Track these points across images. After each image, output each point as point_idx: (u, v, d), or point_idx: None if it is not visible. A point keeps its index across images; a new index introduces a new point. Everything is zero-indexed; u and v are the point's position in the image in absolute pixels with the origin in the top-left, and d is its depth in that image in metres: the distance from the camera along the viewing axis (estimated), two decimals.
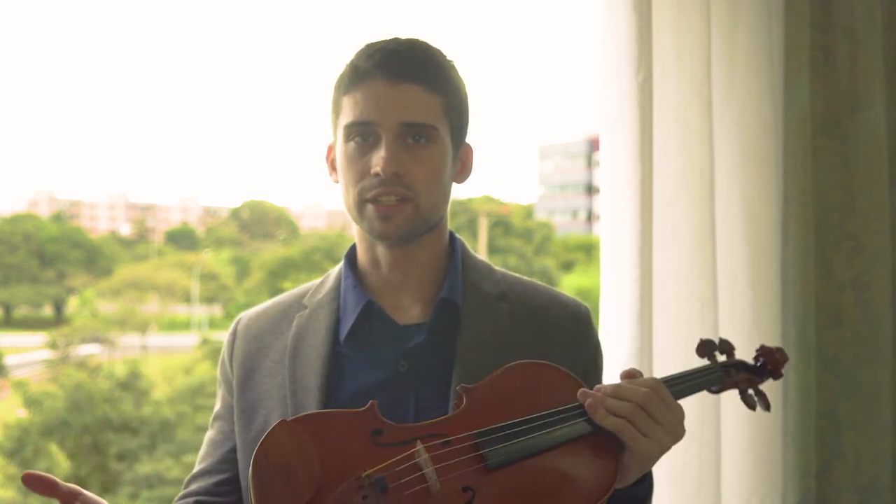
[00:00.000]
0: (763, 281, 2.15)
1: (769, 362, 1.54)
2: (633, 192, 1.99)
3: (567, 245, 32.12)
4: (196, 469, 1.50)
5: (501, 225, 30.70)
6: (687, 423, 2.08)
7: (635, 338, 1.98)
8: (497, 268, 1.51)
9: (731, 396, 2.13)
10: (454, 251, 1.48)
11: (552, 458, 1.25)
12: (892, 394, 2.22)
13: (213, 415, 1.52)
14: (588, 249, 29.37)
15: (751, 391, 1.51)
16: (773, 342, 2.16)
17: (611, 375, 2.03)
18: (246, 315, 1.54)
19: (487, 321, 1.41)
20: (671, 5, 2.08)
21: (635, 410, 1.26)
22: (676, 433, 1.30)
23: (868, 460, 2.19)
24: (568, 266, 28.73)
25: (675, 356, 2.06)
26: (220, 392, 1.52)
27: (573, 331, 1.47)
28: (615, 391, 1.29)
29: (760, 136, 2.17)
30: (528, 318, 1.45)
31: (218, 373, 1.53)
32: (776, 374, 1.54)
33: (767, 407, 1.50)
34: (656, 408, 1.27)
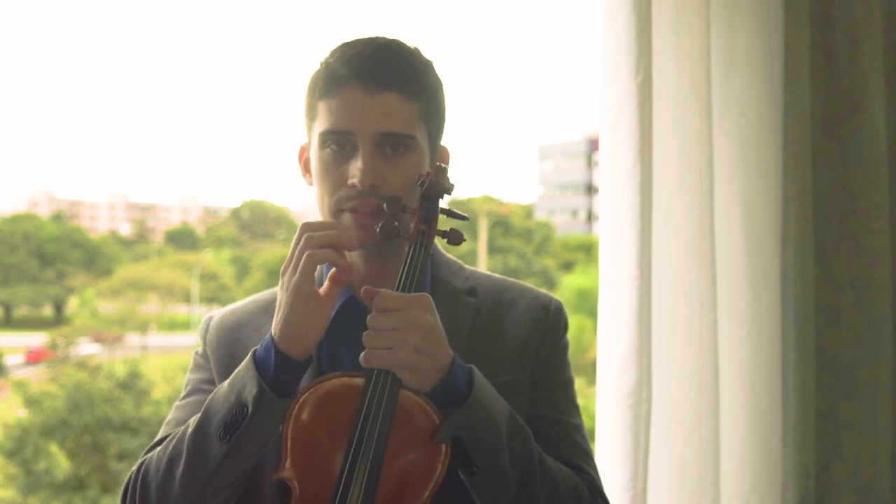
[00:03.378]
0: (763, 281, 2.15)
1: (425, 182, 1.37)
2: (632, 192, 1.99)
3: (567, 245, 32.10)
4: (161, 434, 1.48)
5: (501, 225, 30.70)
6: (686, 422, 2.11)
7: (634, 338, 1.98)
8: (469, 266, 1.53)
9: (732, 395, 2.14)
10: None
11: (391, 454, 1.26)
12: (891, 394, 2.22)
13: (185, 391, 1.50)
14: (588, 249, 29.34)
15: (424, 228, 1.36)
16: (772, 342, 2.16)
17: (610, 375, 2.04)
18: (216, 314, 1.54)
19: (454, 314, 1.42)
20: (670, 6, 2.08)
21: (366, 337, 1.26)
22: (412, 324, 1.26)
23: (867, 460, 2.19)
24: (568, 266, 28.72)
25: (674, 356, 2.06)
26: (192, 377, 1.50)
27: (542, 319, 1.48)
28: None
29: (760, 136, 2.17)
30: (496, 310, 1.47)
31: (191, 364, 1.52)
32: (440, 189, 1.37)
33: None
34: (375, 322, 1.26)
